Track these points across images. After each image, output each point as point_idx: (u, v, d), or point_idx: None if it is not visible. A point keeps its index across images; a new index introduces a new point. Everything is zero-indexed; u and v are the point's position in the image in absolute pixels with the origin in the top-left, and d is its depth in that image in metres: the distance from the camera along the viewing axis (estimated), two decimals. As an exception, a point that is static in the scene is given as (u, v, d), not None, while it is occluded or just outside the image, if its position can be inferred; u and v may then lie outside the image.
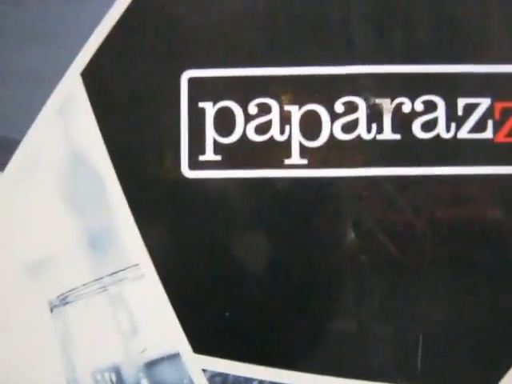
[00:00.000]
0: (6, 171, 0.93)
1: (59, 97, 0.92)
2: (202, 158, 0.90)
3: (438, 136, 0.88)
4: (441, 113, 0.88)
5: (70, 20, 0.91)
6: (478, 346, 0.88)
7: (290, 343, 0.89)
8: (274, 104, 0.89)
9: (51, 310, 0.92)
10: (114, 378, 0.91)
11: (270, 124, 0.89)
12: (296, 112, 0.89)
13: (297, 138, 0.89)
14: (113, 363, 0.91)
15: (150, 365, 0.90)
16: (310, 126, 0.89)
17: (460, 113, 0.88)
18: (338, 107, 0.88)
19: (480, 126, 0.88)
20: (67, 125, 0.92)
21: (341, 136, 0.88)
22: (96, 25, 0.91)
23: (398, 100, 0.88)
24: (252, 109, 0.89)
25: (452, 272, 0.88)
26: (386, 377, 0.88)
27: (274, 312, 0.89)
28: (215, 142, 0.89)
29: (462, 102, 0.88)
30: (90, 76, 0.91)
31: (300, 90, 0.89)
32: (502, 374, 0.87)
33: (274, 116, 0.89)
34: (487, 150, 0.88)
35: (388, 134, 0.88)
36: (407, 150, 0.88)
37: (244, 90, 0.89)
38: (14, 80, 0.94)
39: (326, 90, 0.89)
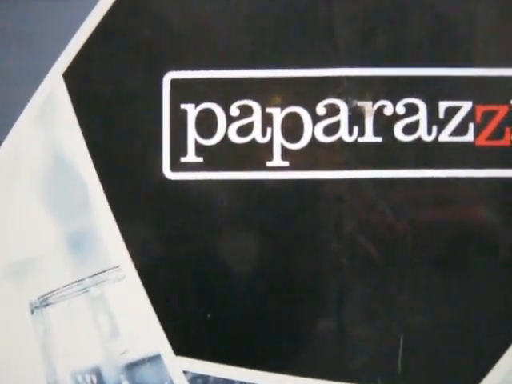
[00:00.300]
0: (-14, 172, 0.93)
1: (41, 98, 0.91)
2: (183, 159, 0.90)
3: (419, 139, 0.88)
4: (422, 116, 0.88)
5: (51, 21, 0.91)
6: (461, 347, 0.88)
7: (272, 345, 0.89)
8: (255, 106, 0.89)
9: (32, 312, 0.92)
10: (94, 380, 0.91)
11: (252, 126, 0.89)
12: (278, 114, 0.89)
13: (278, 140, 0.89)
14: (93, 365, 0.91)
15: (131, 366, 0.90)
16: (292, 128, 0.89)
17: (441, 116, 0.88)
18: (320, 110, 0.89)
19: (461, 129, 0.88)
20: (49, 126, 0.91)
21: (322, 138, 0.89)
22: (78, 26, 0.90)
23: (379, 103, 0.88)
24: (234, 111, 0.89)
25: (434, 274, 0.88)
26: (368, 378, 0.88)
27: (256, 314, 0.89)
28: (197, 143, 0.89)
29: (443, 105, 0.88)
30: (72, 77, 0.91)
31: (282, 93, 0.89)
32: (483, 374, 0.87)
33: (256, 118, 0.89)
34: (468, 153, 0.88)
35: (369, 137, 0.88)
36: (389, 152, 0.88)
37: (226, 92, 0.89)
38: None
39: (307, 93, 0.89)
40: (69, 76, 0.91)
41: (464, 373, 0.88)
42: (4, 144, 0.92)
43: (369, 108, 0.88)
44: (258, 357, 0.89)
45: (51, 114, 0.91)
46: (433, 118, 0.88)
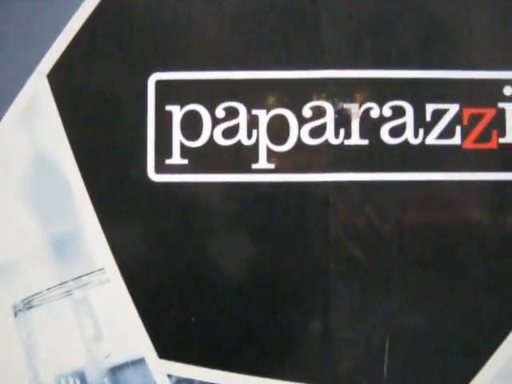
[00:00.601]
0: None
1: (25, 98, 0.91)
2: (168, 161, 0.89)
3: (406, 141, 0.88)
4: (409, 118, 0.88)
5: (36, 21, 0.90)
6: (447, 351, 0.88)
7: (257, 349, 0.88)
8: (241, 108, 0.88)
9: (15, 314, 0.91)
10: (78, 383, 0.90)
11: (238, 128, 0.88)
12: (264, 116, 0.88)
13: (264, 143, 0.88)
14: (77, 368, 0.90)
15: (115, 370, 0.89)
16: (278, 130, 0.88)
17: (428, 118, 0.88)
18: (306, 112, 0.88)
19: (448, 132, 0.88)
20: (32, 127, 0.91)
21: (308, 141, 0.88)
22: (63, 26, 0.90)
23: (366, 105, 0.88)
24: (219, 112, 0.88)
25: (420, 277, 0.88)
26: (353, 382, 0.88)
27: (241, 318, 0.88)
28: (182, 145, 0.89)
29: (430, 108, 0.88)
30: (56, 78, 0.90)
31: (268, 95, 0.88)
32: (469, 378, 0.87)
33: (242, 120, 0.88)
34: (455, 155, 0.88)
35: (356, 139, 0.88)
36: (375, 155, 0.88)
37: (211, 94, 0.89)
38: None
39: (294, 95, 0.88)
40: (53, 77, 0.90)
41: (452, 374, 0.88)
42: (-13, 145, 0.92)
43: (355, 110, 0.88)
44: (243, 361, 0.88)
45: (35, 115, 0.91)
46: (420, 120, 0.88)
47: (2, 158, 0.91)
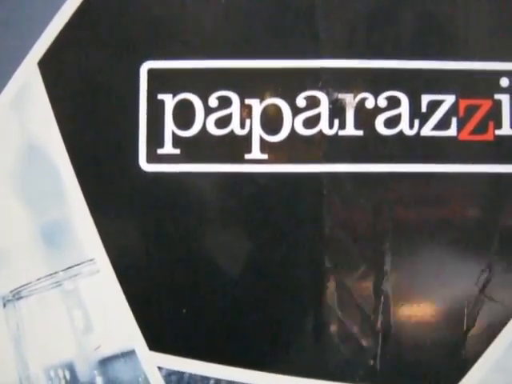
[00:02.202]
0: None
1: (15, 86, 0.89)
2: (160, 151, 0.88)
3: (401, 132, 0.87)
4: (404, 109, 0.87)
5: (26, 8, 0.89)
6: (439, 347, 0.87)
7: (248, 342, 0.87)
8: (234, 97, 0.87)
9: (4, 305, 0.90)
10: (67, 375, 0.89)
11: (231, 118, 0.87)
12: (257, 106, 0.87)
13: (257, 133, 0.87)
14: (66, 360, 0.89)
15: (105, 362, 0.88)
16: (271, 120, 0.87)
17: (424, 109, 0.87)
18: (300, 102, 0.87)
19: (444, 123, 0.87)
20: (23, 115, 0.90)
21: (302, 131, 0.87)
22: (54, 13, 0.89)
23: (360, 95, 0.87)
24: (212, 102, 0.87)
25: (417, 271, 0.87)
26: (346, 376, 0.87)
27: (232, 309, 0.87)
28: (174, 135, 0.88)
29: (426, 99, 0.87)
30: (47, 65, 0.89)
31: (261, 84, 0.87)
32: (461, 374, 0.86)
33: (235, 109, 0.87)
34: (451, 147, 0.87)
35: (350, 130, 0.87)
36: (369, 146, 0.87)
37: (204, 83, 0.87)
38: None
39: (287, 84, 0.87)
40: (44, 64, 0.89)
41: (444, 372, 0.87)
42: (-23, 133, 0.91)
43: (350, 100, 0.87)
44: (234, 353, 0.87)
45: (25, 104, 0.89)
46: (415, 111, 0.87)
47: (-8, 146, 0.90)
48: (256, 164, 0.87)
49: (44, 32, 0.89)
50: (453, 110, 0.87)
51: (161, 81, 0.88)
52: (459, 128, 0.87)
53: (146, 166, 0.88)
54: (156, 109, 0.88)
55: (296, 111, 0.87)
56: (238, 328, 0.87)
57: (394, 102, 0.87)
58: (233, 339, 0.87)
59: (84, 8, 0.88)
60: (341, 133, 0.87)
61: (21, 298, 0.90)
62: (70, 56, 0.89)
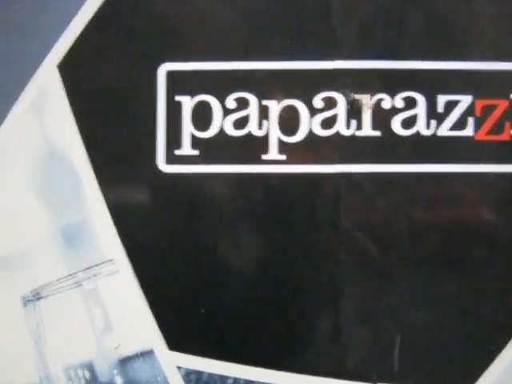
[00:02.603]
0: (-21, 164, 0.92)
1: (34, 89, 0.90)
2: (178, 152, 0.88)
3: (417, 133, 0.87)
4: (421, 110, 0.87)
5: (46, 10, 0.90)
6: (456, 347, 0.87)
7: (267, 341, 0.88)
8: (252, 98, 0.88)
9: (24, 305, 0.91)
10: (87, 375, 0.90)
11: (248, 119, 0.88)
12: (274, 107, 0.87)
13: (275, 134, 0.88)
14: (86, 360, 0.90)
15: (125, 361, 0.89)
16: (289, 121, 0.87)
17: (440, 110, 0.87)
18: (317, 103, 0.87)
19: (460, 124, 0.87)
20: (42, 117, 0.90)
21: (319, 132, 0.87)
22: (73, 16, 0.89)
23: (377, 96, 0.87)
24: (230, 103, 0.88)
25: (432, 272, 0.87)
26: (364, 376, 0.87)
27: (250, 309, 0.88)
28: (192, 136, 0.88)
29: (442, 99, 0.87)
30: (67, 68, 0.90)
31: (279, 85, 0.88)
32: (478, 374, 0.86)
33: (252, 111, 0.88)
34: (468, 147, 0.87)
35: (367, 131, 0.87)
36: (386, 146, 0.87)
37: (222, 84, 0.88)
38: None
39: (305, 85, 0.87)
40: (63, 67, 0.90)
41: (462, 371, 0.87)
42: (-3, 135, 0.91)
43: (366, 101, 0.87)
44: (254, 352, 0.88)
45: (45, 106, 0.90)
46: (432, 111, 0.87)
47: (11, 148, 0.91)
48: (273, 165, 0.88)
49: (63, 35, 0.89)
50: (469, 111, 0.87)
51: (179, 82, 0.88)
52: (476, 128, 0.87)
53: (164, 166, 0.88)
54: (174, 110, 0.88)
55: (313, 112, 0.87)
56: (257, 327, 0.88)
57: (410, 103, 0.87)
58: (251, 338, 0.88)
59: (103, 11, 0.89)
60: (358, 133, 0.87)
61: (41, 298, 0.90)
62: (89, 58, 0.90)
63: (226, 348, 0.88)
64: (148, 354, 0.89)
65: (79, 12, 0.89)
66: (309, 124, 0.87)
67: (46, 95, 0.90)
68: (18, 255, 0.90)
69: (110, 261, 0.89)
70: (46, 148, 0.90)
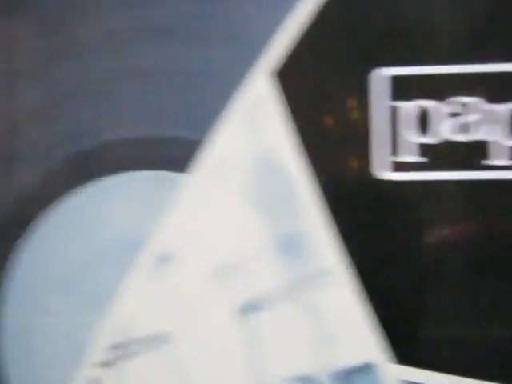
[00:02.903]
0: (191, 173, 0.91)
1: (250, 97, 0.89)
2: (396, 158, 0.86)
3: None
4: None
5: (259, 19, 0.89)
6: None
7: (497, 355, 0.84)
8: (474, 102, 0.85)
9: (239, 316, 0.89)
10: (304, 388, 0.88)
11: (472, 123, 0.85)
12: (502, 111, 0.84)
13: (501, 138, 0.84)
14: (304, 373, 0.88)
15: (344, 375, 0.87)
16: (517, 125, 0.84)
17: None
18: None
19: None
20: (255, 125, 0.89)
21: (548, 136, 0.84)
22: (285, 21, 0.88)
23: None
24: (452, 108, 0.85)
25: None
26: None
27: (482, 322, 0.84)
28: (412, 142, 0.86)
29: None
30: (283, 76, 0.88)
31: (505, 88, 0.84)
32: None
33: (475, 115, 0.85)
34: None
35: None
36: None
37: (441, 88, 0.85)
38: (192, 81, 0.92)
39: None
40: (277, 75, 0.88)
41: None
42: (208, 144, 0.90)
43: None
44: (480, 366, 0.84)
45: (258, 114, 0.89)
46: None
47: (224, 156, 0.90)
48: (498, 170, 0.84)
49: (278, 42, 0.88)
50: None
51: (393, 87, 0.86)
52: None
53: (383, 174, 0.86)
54: (391, 116, 0.86)
55: (542, 115, 0.84)
56: (486, 340, 0.84)
57: None
58: (481, 352, 0.84)
59: (321, 15, 0.87)
60: None
61: (256, 308, 0.89)
62: (306, 66, 0.88)
63: (456, 361, 0.84)
64: (369, 367, 0.86)
65: (294, 18, 0.88)
66: (536, 127, 0.84)
67: (259, 103, 0.89)
68: (235, 266, 0.89)
69: (329, 271, 0.87)
70: (262, 157, 0.89)
